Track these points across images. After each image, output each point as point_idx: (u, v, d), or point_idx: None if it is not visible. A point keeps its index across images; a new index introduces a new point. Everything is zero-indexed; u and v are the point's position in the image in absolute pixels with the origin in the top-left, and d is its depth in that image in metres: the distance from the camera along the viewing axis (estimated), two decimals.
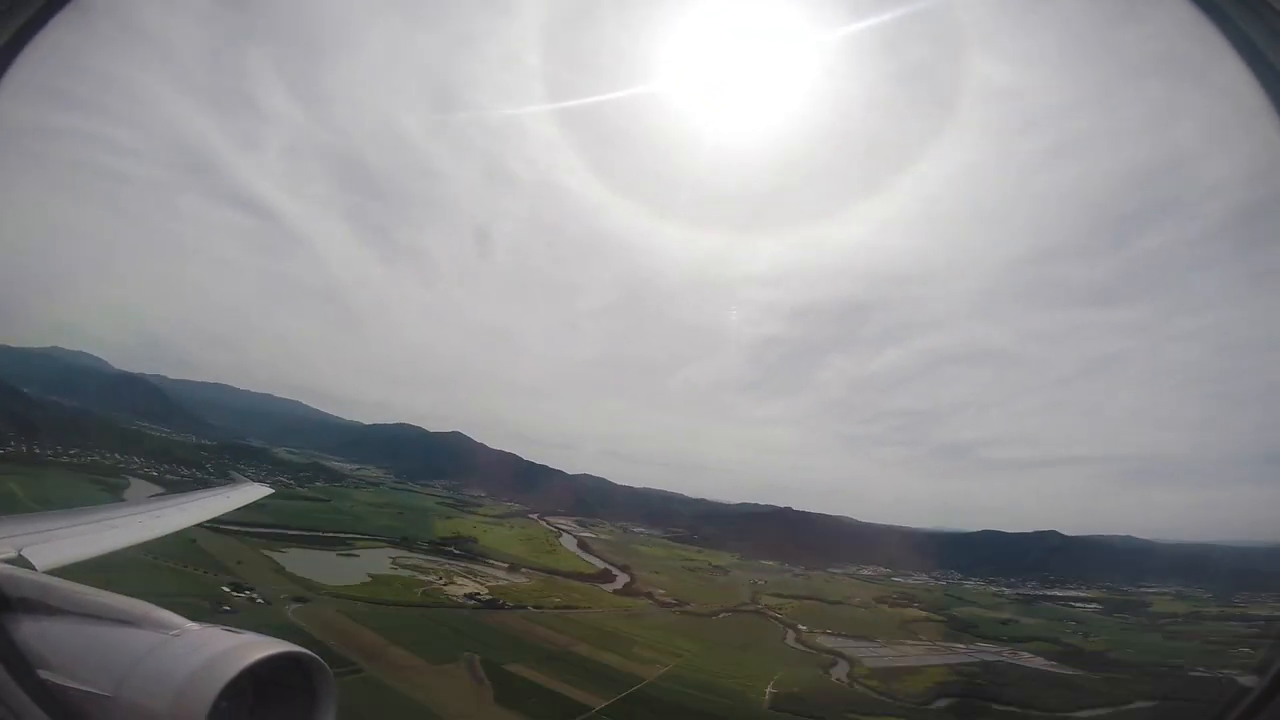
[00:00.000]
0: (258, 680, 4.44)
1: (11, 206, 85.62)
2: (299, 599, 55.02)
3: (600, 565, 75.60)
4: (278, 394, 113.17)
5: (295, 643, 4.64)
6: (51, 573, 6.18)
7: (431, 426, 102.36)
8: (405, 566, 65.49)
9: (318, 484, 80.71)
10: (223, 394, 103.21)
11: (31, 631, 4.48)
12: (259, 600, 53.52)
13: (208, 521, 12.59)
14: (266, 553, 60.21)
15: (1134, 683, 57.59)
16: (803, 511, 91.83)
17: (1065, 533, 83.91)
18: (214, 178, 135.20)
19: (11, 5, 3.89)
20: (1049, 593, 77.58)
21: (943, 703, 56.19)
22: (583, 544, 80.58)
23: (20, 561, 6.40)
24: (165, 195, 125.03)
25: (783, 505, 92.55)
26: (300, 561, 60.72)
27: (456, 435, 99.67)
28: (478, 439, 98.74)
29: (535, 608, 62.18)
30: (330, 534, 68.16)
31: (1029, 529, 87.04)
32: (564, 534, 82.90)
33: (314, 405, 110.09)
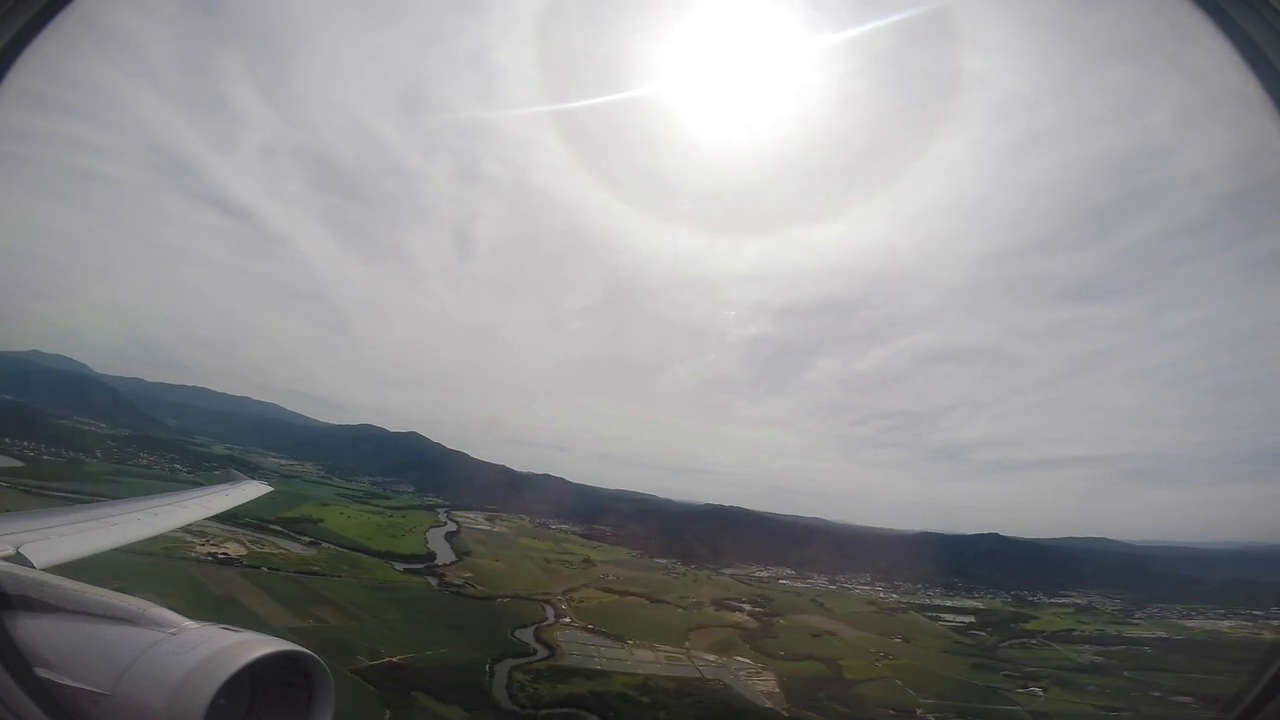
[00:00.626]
0: (255, 678, 4.44)
1: None
2: None
3: (438, 551, 73.81)
4: (256, 397, 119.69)
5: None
6: (50, 570, 6.15)
7: (392, 427, 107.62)
8: (194, 534, 60.95)
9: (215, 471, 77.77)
10: (198, 396, 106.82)
11: (30, 629, 4.47)
12: None
13: (208, 519, 12.57)
14: None
15: None
16: (749, 510, 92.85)
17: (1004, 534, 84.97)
18: (193, 180, 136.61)
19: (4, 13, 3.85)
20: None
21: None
22: (452, 535, 79.20)
23: (19, 559, 6.37)
24: (143, 198, 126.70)
25: (730, 505, 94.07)
26: None
27: (413, 435, 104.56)
28: (434, 439, 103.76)
29: (271, 569, 61.05)
30: None
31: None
32: (452, 525, 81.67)
33: (291, 408, 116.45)
